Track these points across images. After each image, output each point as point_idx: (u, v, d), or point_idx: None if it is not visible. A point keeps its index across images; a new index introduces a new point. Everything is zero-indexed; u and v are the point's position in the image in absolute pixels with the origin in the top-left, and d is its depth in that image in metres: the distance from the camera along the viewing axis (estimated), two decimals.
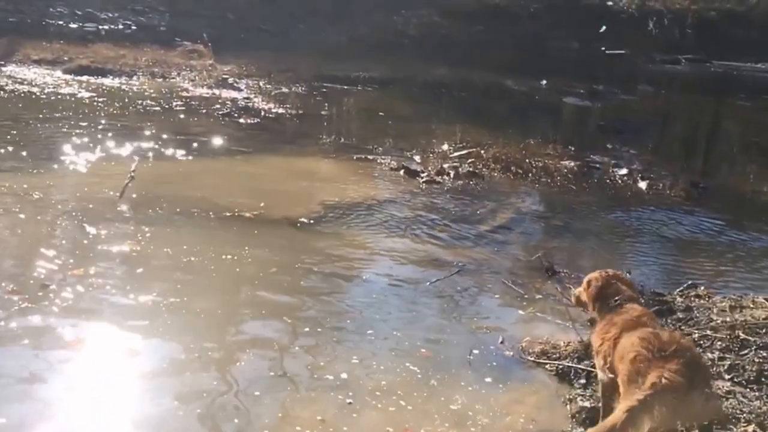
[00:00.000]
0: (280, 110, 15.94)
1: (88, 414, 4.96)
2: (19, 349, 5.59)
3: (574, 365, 5.88)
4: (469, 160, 12.61)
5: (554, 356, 6.08)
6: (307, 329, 6.32)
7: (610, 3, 31.90)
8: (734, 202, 12.07)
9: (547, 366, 5.99)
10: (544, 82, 22.71)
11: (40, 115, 12.48)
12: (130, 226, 8.29)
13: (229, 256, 7.62)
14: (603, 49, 23.74)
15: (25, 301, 6.26)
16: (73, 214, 8.48)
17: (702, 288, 7.47)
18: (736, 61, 30.50)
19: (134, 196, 9.19)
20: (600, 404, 4.88)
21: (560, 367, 5.92)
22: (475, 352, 6.16)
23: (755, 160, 15.37)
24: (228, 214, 8.95)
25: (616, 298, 4.89)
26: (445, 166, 12.08)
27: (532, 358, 6.10)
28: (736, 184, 13.80)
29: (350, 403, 5.25)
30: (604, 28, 23.63)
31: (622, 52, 24.66)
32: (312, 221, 9.01)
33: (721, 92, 25.52)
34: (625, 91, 22.97)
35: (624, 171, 12.93)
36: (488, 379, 5.76)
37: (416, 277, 7.67)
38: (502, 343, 6.32)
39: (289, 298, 6.94)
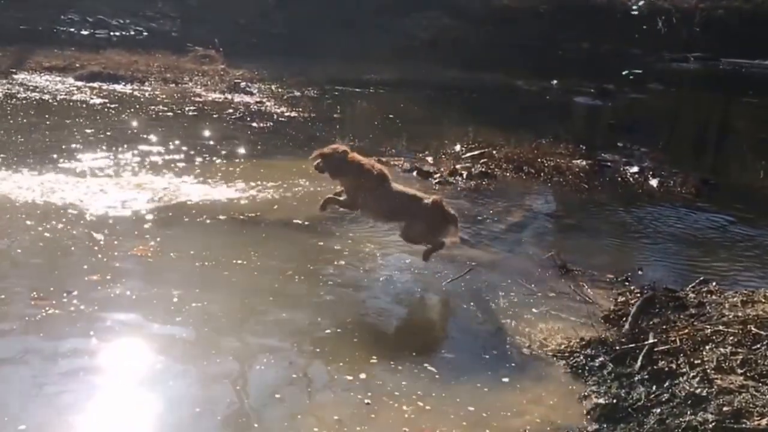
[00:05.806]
0: (293, 114, 15.99)
1: (107, 419, 5.04)
2: (47, 355, 5.69)
3: (589, 362, 5.97)
4: (482, 161, 12.64)
5: (569, 354, 6.16)
6: (327, 331, 6.40)
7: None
8: (744, 198, 12.05)
9: (562, 364, 6.07)
10: (555, 82, 22.72)
11: (51, 123, 12.57)
12: (143, 231, 8.33)
13: (242, 260, 7.70)
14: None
15: (51, 307, 6.35)
16: (84, 220, 8.55)
17: (714, 283, 7.51)
18: (744, 59, 30.44)
19: (145, 201, 9.29)
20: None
21: (575, 364, 6.00)
22: (493, 352, 6.25)
23: (764, 156, 15.33)
24: (241, 217, 9.04)
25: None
26: (458, 166, 12.12)
27: (548, 357, 6.18)
28: (746, 180, 13.82)
29: (368, 403, 5.32)
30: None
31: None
32: (326, 223, 9.05)
33: (730, 90, 25.45)
34: (635, 90, 22.97)
35: (635, 169, 12.97)
36: (505, 379, 5.83)
37: (431, 278, 7.76)
38: (517, 342, 6.40)
39: (306, 299, 7.01)
